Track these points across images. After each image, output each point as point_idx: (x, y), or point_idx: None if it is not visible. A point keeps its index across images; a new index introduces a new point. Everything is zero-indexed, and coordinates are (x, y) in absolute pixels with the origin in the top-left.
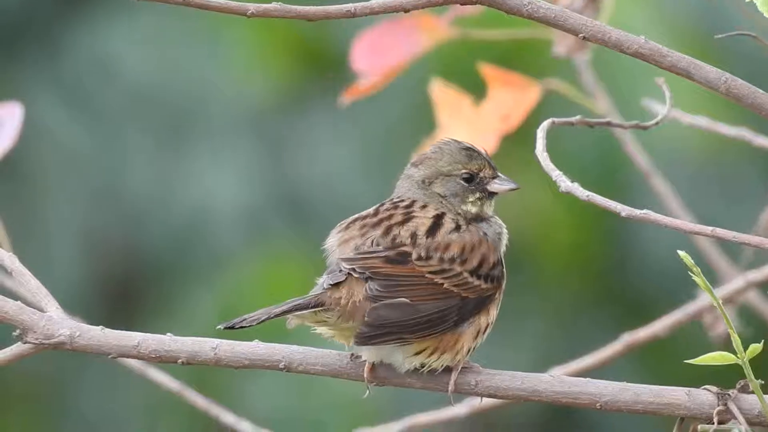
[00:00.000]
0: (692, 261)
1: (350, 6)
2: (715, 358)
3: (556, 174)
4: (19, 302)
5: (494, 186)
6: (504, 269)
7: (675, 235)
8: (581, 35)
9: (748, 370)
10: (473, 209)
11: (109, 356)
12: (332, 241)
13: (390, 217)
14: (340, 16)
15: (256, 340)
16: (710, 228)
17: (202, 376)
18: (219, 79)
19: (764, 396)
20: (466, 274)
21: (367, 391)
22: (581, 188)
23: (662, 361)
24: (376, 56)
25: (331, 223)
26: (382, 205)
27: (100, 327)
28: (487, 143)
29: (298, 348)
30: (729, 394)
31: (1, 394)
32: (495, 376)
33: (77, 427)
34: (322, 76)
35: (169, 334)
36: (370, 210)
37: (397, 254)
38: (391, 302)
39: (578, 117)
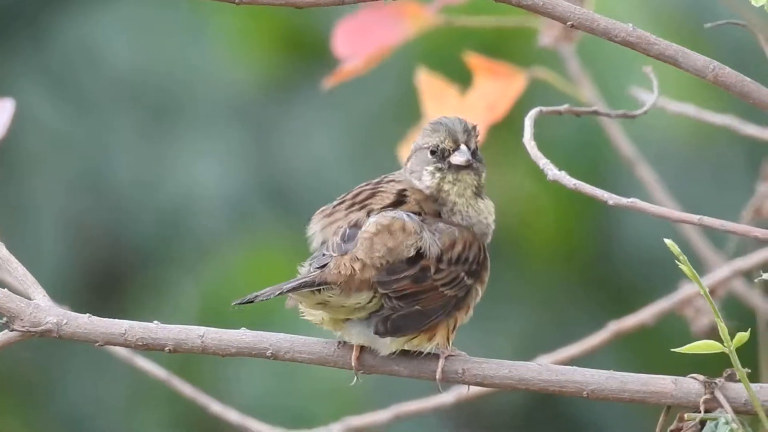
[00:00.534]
0: (679, 249)
1: None
2: (702, 346)
3: (544, 162)
4: (5, 290)
5: (453, 158)
6: (487, 260)
7: (659, 224)
8: (569, 23)
9: (735, 359)
10: (429, 181)
11: (96, 344)
12: (315, 227)
13: (359, 193)
14: (329, 4)
15: (243, 328)
16: (697, 216)
17: (185, 363)
18: (204, 67)
19: (751, 385)
20: (462, 274)
21: (355, 379)
22: (569, 176)
23: (649, 350)
24: (358, 41)
25: (316, 210)
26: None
27: (87, 315)
28: None
29: (285, 336)
30: (716, 383)
31: None
32: (482, 365)
33: (62, 414)
34: (307, 63)
35: (155, 321)
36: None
37: (420, 271)
38: (407, 312)
39: (566, 106)
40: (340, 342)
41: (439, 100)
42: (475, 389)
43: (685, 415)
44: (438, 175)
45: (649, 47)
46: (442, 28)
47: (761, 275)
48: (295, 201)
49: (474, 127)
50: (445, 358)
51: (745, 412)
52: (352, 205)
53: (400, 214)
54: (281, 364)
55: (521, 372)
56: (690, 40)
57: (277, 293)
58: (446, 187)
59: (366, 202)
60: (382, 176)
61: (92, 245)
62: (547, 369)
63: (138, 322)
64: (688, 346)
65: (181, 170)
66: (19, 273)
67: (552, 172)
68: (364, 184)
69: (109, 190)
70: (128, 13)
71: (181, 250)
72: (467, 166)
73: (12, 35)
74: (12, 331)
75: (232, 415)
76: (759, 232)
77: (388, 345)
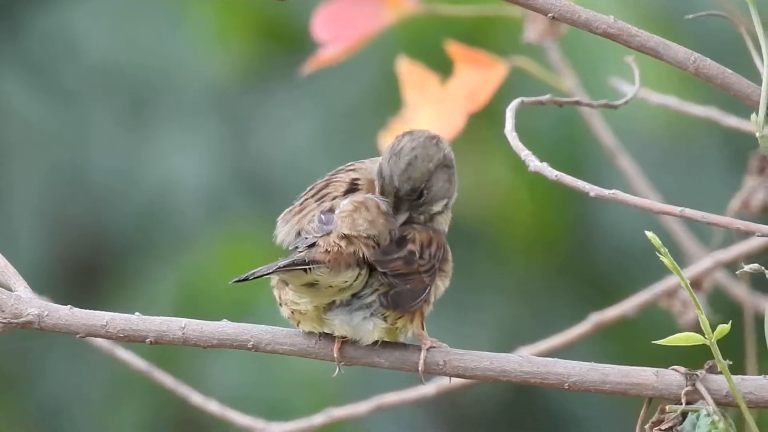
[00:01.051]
0: (660, 242)
1: None
2: (683, 338)
3: (525, 153)
4: None
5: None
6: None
7: (640, 216)
8: (550, 15)
9: (716, 351)
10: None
11: (78, 336)
12: (285, 227)
13: (313, 187)
14: None
15: (225, 320)
16: (679, 208)
17: (163, 356)
18: (182, 57)
19: (732, 377)
20: (435, 265)
21: (337, 370)
22: (550, 168)
23: (631, 343)
24: (337, 27)
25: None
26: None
27: (69, 306)
28: (453, 121)
29: (266, 327)
30: (697, 375)
31: None
32: (463, 356)
33: (41, 405)
34: (284, 53)
35: (137, 313)
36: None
37: (408, 254)
38: (401, 290)
39: (548, 96)
40: (320, 334)
41: (419, 88)
42: (455, 381)
43: (667, 407)
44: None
45: (630, 39)
46: (423, 16)
47: (743, 267)
48: (273, 192)
49: (421, 173)
50: (427, 349)
51: (726, 404)
52: (311, 197)
53: (371, 195)
54: (259, 356)
55: (502, 364)
56: (672, 33)
57: (274, 269)
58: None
59: (322, 192)
60: (346, 164)
61: (70, 236)
62: (529, 361)
63: (119, 314)
64: (669, 338)
65: (158, 161)
66: (0, 264)
67: (533, 163)
68: (322, 178)
69: (87, 181)
70: (106, 2)
71: (158, 241)
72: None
73: None
74: None
75: (213, 407)
76: (740, 224)
77: (371, 331)
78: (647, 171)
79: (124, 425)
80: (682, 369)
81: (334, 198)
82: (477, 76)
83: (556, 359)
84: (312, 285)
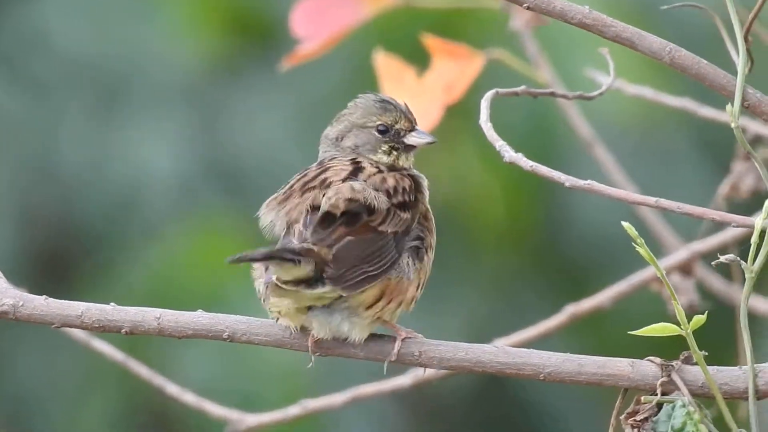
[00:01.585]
0: (636, 232)
1: None
2: (659, 329)
3: (500, 144)
4: None
5: (411, 139)
6: (432, 219)
7: (615, 207)
8: (525, 5)
9: (692, 342)
10: (385, 159)
11: (53, 326)
12: (270, 215)
13: (306, 174)
14: None
15: (200, 310)
16: (654, 198)
17: (134, 347)
18: (153, 48)
19: (708, 367)
20: (394, 209)
21: (311, 361)
22: (525, 158)
23: (606, 333)
24: (316, 22)
25: (265, 192)
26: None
27: (44, 297)
28: (430, 114)
29: (241, 318)
30: (673, 366)
31: None
32: (438, 347)
33: (12, 395)
34: (256, 44)
35: (112, 303)
36: (284, 187)
37: (351, 216)
38: (348, 240)
39: (523, 87)
40: (298, 327)
41: (396, 81)
42: (431, 372)
43: (642, 398)
44: (394, 153)
45: (605, 29)
46: (399, 9)
47: (719, 258)
48: (244, 183)
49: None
50: (402, 340)
51: (701, 395)
52: (305, 185)
53: (345, 187)
54: (233, 347)
55: (478, 354)
56: (648, 24)
57: (266, 255)
58: (401, 163)
59: (322, 177)
60: (317, 162)
61: (41, 227)
62: (504, 351)
63: (94, 304)
64: (645, 329)
65: (129, 152)
66: None
67: (508, 153)
68: (302, 172)
69: (58, 172)
70: None
71: (130, 231)
72: (432, 142)
73: None
74: None
75: (189, 398)
76: (715, 215)
77: (348, 331)
78: (623, 162)
79: (96, 416)
80: (658, 360)
81: (330, 183)
82: (454, 69)
83: (531, 350)
84: (298, 281)
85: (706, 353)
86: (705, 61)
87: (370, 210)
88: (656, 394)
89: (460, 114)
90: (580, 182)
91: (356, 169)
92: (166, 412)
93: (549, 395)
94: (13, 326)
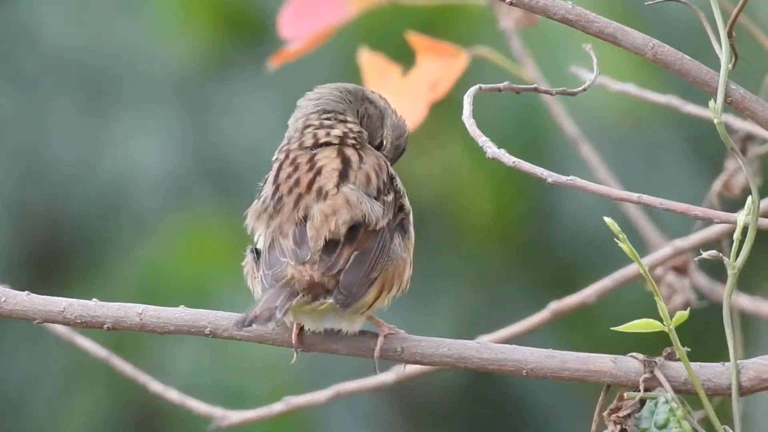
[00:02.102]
0: (618, 228)
1: None
2: (642, 325)
3: (483, 140)
4: None
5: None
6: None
7: (600, 204)
8: (509, 1)
9: (675, 338)
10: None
11: (35, 321)
12: (257, 224)
13: (296, 183)
14: None
15: (182, 306)
16: (636, 195)
17: (121, 343)
18: (142, 44)
19: (690, 364)
20: (383, 198)
21: (295, 357)
22: (507, 154)
23: (590, 329)
24: (304, 23)
25: (255, 189)
26: (280, 169)
27: (26, 292)
28: (415, 111)
29: (223, 313)
30: (655, 362)
31: None
32: (421, 343)
33: None
34: (245, 41)
35: (94, 299)
36: (269, 188)
37: (353, 231)
38: (353, 257)
39: (506, 83)
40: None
41: (381, 79)
42: (415, 368)
43: (625, 394)
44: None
45: (588, 25)
46: (384, 7)
47: (701, 254)
48: (233, 179)
49: None
50: (384, 336)
51: (685, 392)
52: (293, 191)
53: (341, 203)
54: (216, 343)
55: (460, 350)
56: (632, 20)
57: (274, 318)
58: None
59: (312, 180)
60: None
61: (30, 223)
62: (486, 347)
63: (77, 300)
64: (628, 324)
65: (118, 148)
66: None
67: (491, 149)
68: (285, 160)
69: (46, 168)
70: None
71: (119, 228)
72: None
73: None
74: None
75: (172, 394)
76: (699, 211)
77: (341, 327)
78: (611, 159)
79: (82, 413)
80: (640, 356)
81: (323, 193)
82: (439, 66)
83: (514, 346)
84: (308, 309)
85: (689, 350)
86: (688, 57)
87: (368, 219)
88: (639, 391)
89: (446, 111)
90: (562, 178)
91: (344, 164)
92: (154, 408)
93: (537, 391)
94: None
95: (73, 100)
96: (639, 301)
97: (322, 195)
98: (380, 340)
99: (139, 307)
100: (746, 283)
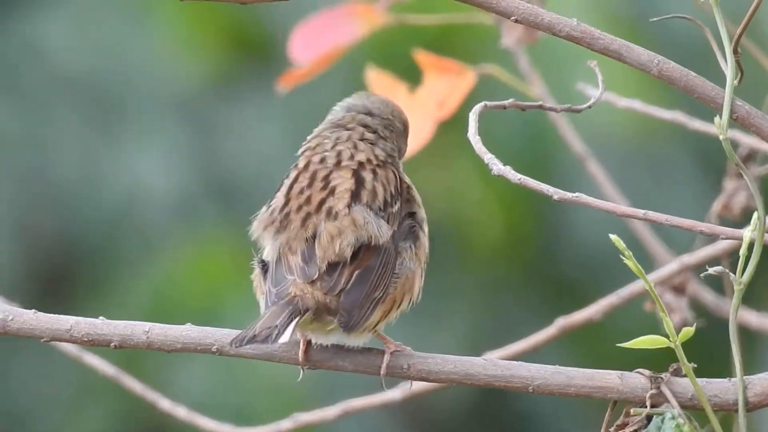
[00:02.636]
0: (624, 245)
1: None
2: (648, 341)
3: (489, 157)
4: None
5: None
6: (413, 187)
7: (608, 220)
8: (513, 18)
9: (681, 354)
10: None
11: (42, 340)
12: (264, 235)
13: (307, 201)
14: None
15: (188, 324)
16: (642, 211)
17: (129, 361)
18: (149, 62)
19: (697, 379)
20: (389, 210)
21: (301, 374)
22: (513, 171)
23: (597, 345)
24: (314, 46)
25: (261, 207)
26: (295, 181)
27: (33, 311)
28: (423, 129)
29: (230, 331)
30: (662, 378)
31: None
32: (427, 360)
33: (6, 411)
34: (252, 59)
35: (101, 317)
36: (280, 198)
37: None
38: (355, 276)
39: (511, 100)
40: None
41: (388, 97)
42: (422, 385)
43: (632, 410)
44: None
45: (593, 42)
46: (391, 26)
47: (707, 269)
48: (240, 198)
49: None
50: (390, 353)
51: (691, 407)
52: (302, 209)
53: (347, 225)
54: (224, 362)
55: (466, 367)
56: (638, 36)
57: (271, 339)
58: None
59: (323, 199)
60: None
61: (38, 242)
62: (493, 364)
63: (84, 318)
64: (634, 341)
65: (125, 167)
66: None
67: (497, 167)
68: (297, 175)
69: (53, 187)
70: (72, 5)
71: (126, 247)
72: None
73: None
74: None
75: (181, 412)
76: (704, 227)
77: (361, 335)
78: (618, 176)
79: (89, 430)
80: (647, 372)
81: (331, 210)
82: (446, 84)
83: (520, 362)
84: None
85: (695, 365)
86: (693, 74)
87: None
88: (645, 407)
89: (454, 129)
90: (568, 195)
91: (358, 184)
92: (162, 426)
93: (545, 408)
94: (6, 340)
95: (80, 118)
96: (645, 318)
97: (331, 215)
98: (386, 358)
99: (146, 325)
100: (752, 299)
